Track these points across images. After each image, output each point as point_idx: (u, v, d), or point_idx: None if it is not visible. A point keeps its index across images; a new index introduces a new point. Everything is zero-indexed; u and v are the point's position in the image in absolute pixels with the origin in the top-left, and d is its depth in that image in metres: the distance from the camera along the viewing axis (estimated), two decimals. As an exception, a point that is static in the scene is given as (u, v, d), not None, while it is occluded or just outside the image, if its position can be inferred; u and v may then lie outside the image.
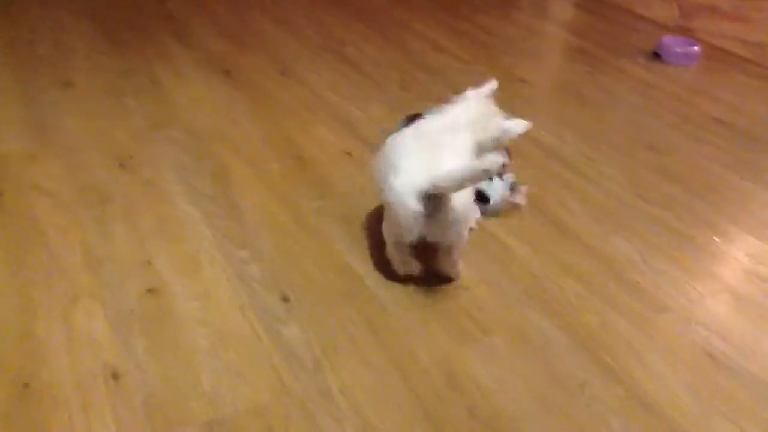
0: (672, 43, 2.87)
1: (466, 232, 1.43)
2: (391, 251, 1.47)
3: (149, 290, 1.42)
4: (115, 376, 1.23)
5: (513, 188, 1.75)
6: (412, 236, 1.36)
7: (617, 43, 3.01)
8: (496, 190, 1.71)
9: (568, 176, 1.97)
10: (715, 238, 1.74)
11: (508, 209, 1.75)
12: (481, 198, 1.70)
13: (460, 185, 1.29)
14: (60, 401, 1.18)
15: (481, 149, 1.43)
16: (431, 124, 1.51)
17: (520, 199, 1.75)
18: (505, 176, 1.75)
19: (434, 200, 1.31)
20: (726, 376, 1.33)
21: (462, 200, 1.35)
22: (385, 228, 1.47)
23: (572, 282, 1.55)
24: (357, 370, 1.28)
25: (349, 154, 1.99)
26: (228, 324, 1.36)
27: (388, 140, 1.51)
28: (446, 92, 1.84)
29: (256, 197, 1.76)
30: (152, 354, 1.28)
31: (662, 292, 1.54)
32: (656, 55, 2.87)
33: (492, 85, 1.62)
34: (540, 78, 2.65)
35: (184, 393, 1.21)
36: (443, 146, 1.43)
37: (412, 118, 1.73)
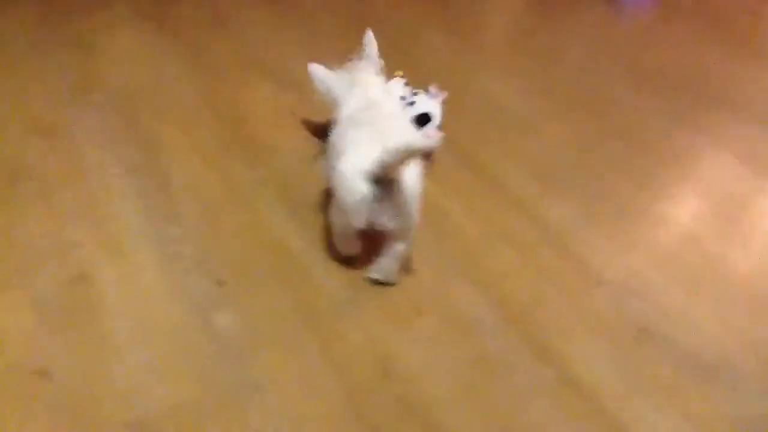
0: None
1: (417, 216, 1.39)
2: (336, 236, 1.43)
3: (73, 277, 1.38)
4: (39, 372, 1.20)
5: (422, 121, 1.72)
6: (360, 221, 1.32)
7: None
8: (427, 104, 1.71)
9: (509, 131, 1.93)
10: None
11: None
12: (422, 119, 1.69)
13: (406, 157, 1.25)
14: (-20, 403, 1.15)
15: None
16: (364, 111, 1.44)
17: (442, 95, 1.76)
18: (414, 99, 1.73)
19: (383, 183, 1.27)
20: (654, 351, 1.35)
21: (412, 180, 1.31)
22: (332, 213, 1.43)
23: (507, 250, 1.55)
24: (289, 360, 1.27)
25: (293, 114, 1.91)
26: (156, 313, 1.33)
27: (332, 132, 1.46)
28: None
29: (189, 167, 1.70)
30: (74, 349, 1.25)
31: (598, 263, 1.55)
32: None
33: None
34: (492, 30, 2.57)
35: (104, 392, 1.18)
36: (380, 122, 1.39)
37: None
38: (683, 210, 1.73)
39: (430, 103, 1.72)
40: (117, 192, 1.60)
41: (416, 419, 1.19)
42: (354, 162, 1.28)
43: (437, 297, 1.43)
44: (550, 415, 1.21)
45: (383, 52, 1.64)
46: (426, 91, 1.76)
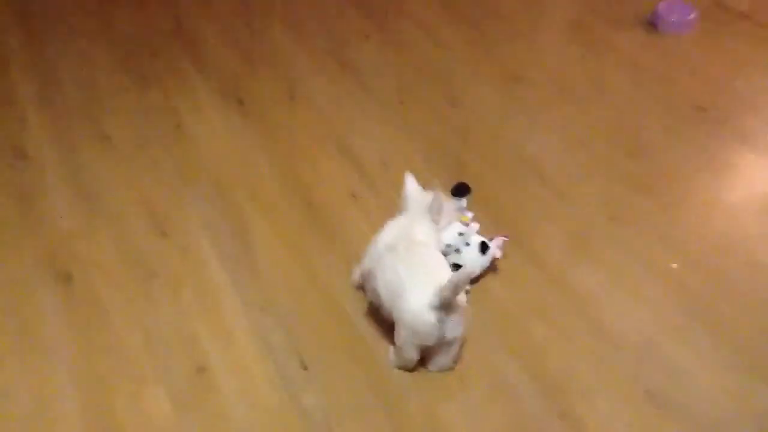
0: (667, 10, 2.91)
1: (468, 321, 1.70)
2: (408, 354, 1.72)
3: (198, 369, 1.79)
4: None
5: (483, 249, 1.93)
6: (432, 341, 1.65)
7: (612, 12, 3.07)
8: (471, 259, 1.92)
9: (545, 196, 2.20)
10: (673, 265, 1.98)
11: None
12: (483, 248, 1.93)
13: (460, 290, 1.59)
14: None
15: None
16: (403, 243, 1.73)
17: (497, 254, 1.95)
18: (472, 236, 1.94)
19: (445, 307, 1.60)
20: (664, 417, 1.64)
21: (461, 297, 1.64)
22: (403, 336, 1.67)
23: (540, 322, 1.85)
24: (365, 430, 1.64)
25: (353, 196, 2.25)
26: (260, 397, 1.73)
27: (374, 262, 1.76)
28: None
29: (274, 255, 2.07)
30: (202, 429, 1.67)
31: (621, 328, 1.82)
32: (652, 25, 2.93)
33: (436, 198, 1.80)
34: (537, 73, 2.78)
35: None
36: (428, 260, 1.71)
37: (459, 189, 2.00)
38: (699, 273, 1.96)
39: (470, 256, 1.91)
40: (222, 284, 1.99)
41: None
42: (419, 298, 1.61)
43: (479, 369, 1.76)
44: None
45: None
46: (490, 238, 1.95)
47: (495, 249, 1.94)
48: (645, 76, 2.68)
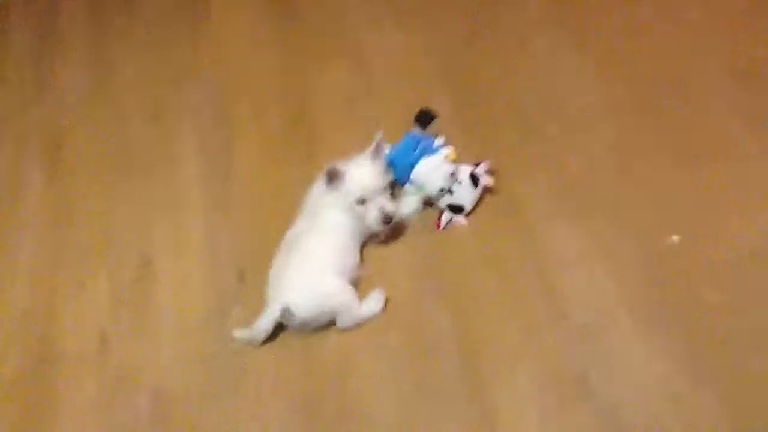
0: None
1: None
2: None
3: (144, 262, 1.85)
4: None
5: (474, 181, 1.78)
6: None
7: None
8: (466, 196, 1.78)
9: (547, 137, 1.94)
10: (674, 237, 1.68)
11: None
12: (455, 209, 1.79)
13: None
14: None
15: None
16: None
17: (488, 182, 1.81)
18: (460, 173, 1.78)
19: None
20: (587, 407, 1.47)
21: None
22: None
23: (491, 276, 1.69)
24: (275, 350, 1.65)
25: (349, 103, 2.12)
26: (193, 302, 1.77)
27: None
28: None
29: (251, 159, 2.05)
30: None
31: (572, 300, 1.63)
32: None
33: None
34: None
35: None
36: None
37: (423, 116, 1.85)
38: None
39: (468, 195, 1.79)
40: (192, 180, 2.00)
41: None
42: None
43: (409, 317, 1.66)
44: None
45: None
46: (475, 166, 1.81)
47: (485, 178, 1.80)
48: (689, 29, 2.17)
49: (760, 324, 1.49)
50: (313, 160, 1.99)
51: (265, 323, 1.61)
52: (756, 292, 1.54)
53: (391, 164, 1.81)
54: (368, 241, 1.79)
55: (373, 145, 1.74)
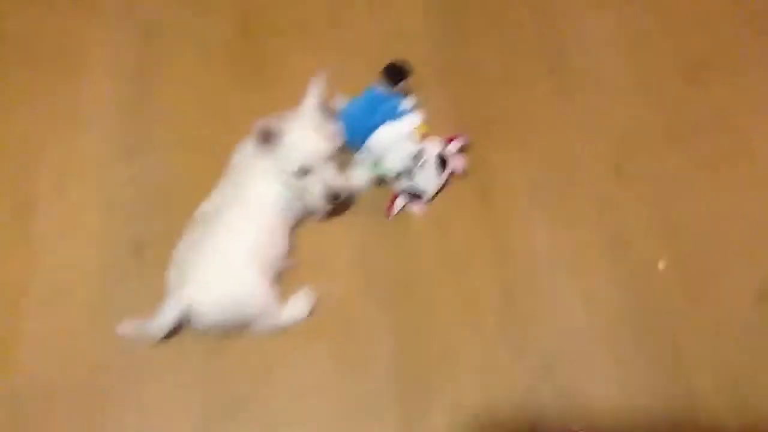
0: None
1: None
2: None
3: (27, 204, 1.47)
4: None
5: (443, 164, 1.46)
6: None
7: None
8: (426, 182, 1.45)
9: (547, 102, 1.61)
10: (660, 265, 1.42)
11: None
12: (414, 195, 1.47)
13: None
14: None
15: None
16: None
17: (457, 168, 1.49)
18: (427, 152, 1.44)
19: None
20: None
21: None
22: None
23: (448, 277, 1.41)
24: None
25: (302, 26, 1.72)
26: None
27: None
28: None
29: (178, 88, 1.62)
30: None
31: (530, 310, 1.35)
32: None
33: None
34: None
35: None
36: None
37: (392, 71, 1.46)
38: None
39: (431, 180, 1.46)
40: (106, 104, 1.59)
41: None
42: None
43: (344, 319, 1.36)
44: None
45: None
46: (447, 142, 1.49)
47: (456, 161, 1.49)
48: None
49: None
50: (266, 88, 1.60)
51: (164, 319, 1.26)
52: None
53: (342, 123, 1.43)
54: (303, 220, 1.44)
55: (313, 93, 1.36)
